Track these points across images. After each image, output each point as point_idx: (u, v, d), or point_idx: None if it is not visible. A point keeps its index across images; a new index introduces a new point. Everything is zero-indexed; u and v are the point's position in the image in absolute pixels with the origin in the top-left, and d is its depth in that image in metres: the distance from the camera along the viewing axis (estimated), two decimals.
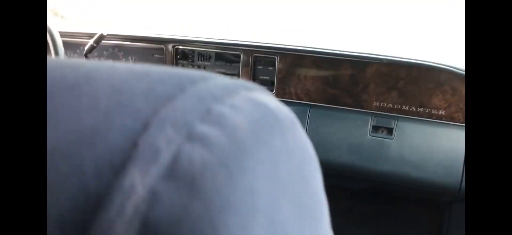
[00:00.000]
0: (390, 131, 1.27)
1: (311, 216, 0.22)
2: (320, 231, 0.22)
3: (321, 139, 1.33)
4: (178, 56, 1.46)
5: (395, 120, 1.26)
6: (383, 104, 1.27)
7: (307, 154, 0.24)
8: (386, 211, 1.82)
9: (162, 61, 1.47)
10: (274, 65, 1.36)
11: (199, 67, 1.45)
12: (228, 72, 1.42)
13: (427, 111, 1.23)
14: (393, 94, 1.26)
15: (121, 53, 1.54)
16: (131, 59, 1.52)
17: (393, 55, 1.26)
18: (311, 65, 1.32)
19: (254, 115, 0.20)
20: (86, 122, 0.18)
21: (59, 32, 1.44)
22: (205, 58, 1.44)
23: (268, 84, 1.38)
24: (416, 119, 1.25)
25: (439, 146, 1.22)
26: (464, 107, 1.19)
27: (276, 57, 1.35)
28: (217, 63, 1.43)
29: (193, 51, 1.44)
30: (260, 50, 1.37)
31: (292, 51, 1.34)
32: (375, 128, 1.28)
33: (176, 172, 0.16)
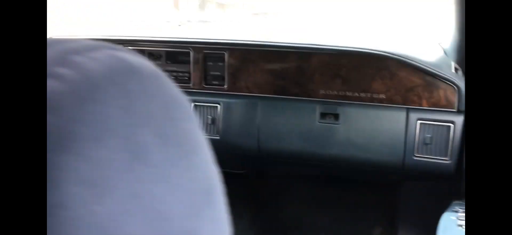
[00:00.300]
0: (336, 117, 1.33)
1: (179, 148, 0.25)
2: (191, 162, 0.26)
3: (272, 129, 1.38)
4: None
5: (340, 106, 1.33)
6: (328, 92, 1.34)
7: (176, 101, 0.26)
8: (343, 195, 1.90)
9: None
10: (223, 60, 1.40)
11: None
12: (179, 70, 1.45)
13: (369, 96, 1.31)
14: (337, 81, 1.32)
15: None
16: None
17: (334, 45, 1.33)
18: (259, 59, 1.37)
19: (111, 63, 0.23)
20: None
21: None
22: (155, 57, 1.45)
23: (219, 79, 1.42)
24: (360, 104, 1.32)
25: (382, 127, 1.29)
26: (402, 90, 1.27)
27: (225, 52, 1.39)
28: (168, 61, 1.45)
29: (143, 51, 1.46)
30: (209, 47, 1.41)
31: (240, 46, 1.38)
32: (323, 115, 1.34)
33: None
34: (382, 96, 1.29)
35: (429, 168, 1.28)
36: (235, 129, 1.41)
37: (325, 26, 2.29)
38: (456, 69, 1.29)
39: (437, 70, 1.24)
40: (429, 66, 1.24)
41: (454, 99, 1.24)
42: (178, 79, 1.45)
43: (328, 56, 1.31)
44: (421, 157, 1.27)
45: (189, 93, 1.43)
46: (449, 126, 1.24)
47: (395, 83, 1.28)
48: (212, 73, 1.43)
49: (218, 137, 1.41)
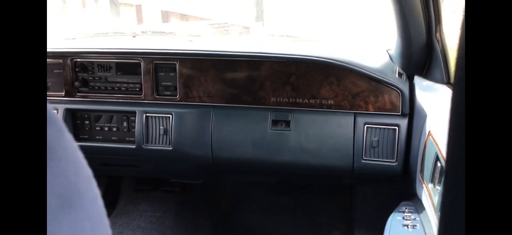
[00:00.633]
0: (288, 123, 1.35)
1: None
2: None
3: (226, 138, 1.38)
4: (77, 69, 1.44)
5: (291, 113, 1.35)
6: (279, 99, 1.36)
7: None
8: (301, 201, 1.92)
9: (61, 76, 1.45)
10: (175, 70, 1.39)
11: (100, 78, 1.44)
12: (130, 81, 1.43)
13: (318, 102, 1.34)
14: (287, 88, 1.35)
15: None
16: None
17: (282, 53, 1.35)
18: (210, 68, 1.38)
19: None
20: None
21: None
22: (105, 69, 1.43)
23: (171, 90, 1.41)
24: (310, 110, 1.34)
25: (331, 132, 1.32)
26: (349, 95, 1.31)
27: (176, 62, 1.39)
28: (119, 73, 1.43)
29: (92, 62, 1.43)
30: (159, 57, 1.40)
31: (191, 56, 1.38)
32: (274, 122, 1.36)
33: None
34: (331, 101, 1.33)
35: (377, 170, 1.31)
36: (187, 139, 1.40)
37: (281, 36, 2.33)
38: (400, 74, 1.34)
39: (381, 75, 1.28)
40: (373, 72, 1.29)
41: (398, 103, 1.29)
42: (129, 90, 1.43)
43: (277, 64, 1.34)
44: (369, 160, 1.31)
45: (140, 104, 1.42)
46: (395, 129, 1.29)
47: (342, 89, 1.31)
48: (163, 83, 1.42)
49: (170, 148, 1.40)
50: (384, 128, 1.29)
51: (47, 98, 1.40)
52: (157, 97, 1.42)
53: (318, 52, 1.35)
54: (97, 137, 1.46)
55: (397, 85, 1.28)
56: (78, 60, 1.43)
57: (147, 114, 1.41)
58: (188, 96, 1.40)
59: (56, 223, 0.24)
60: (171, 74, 1.40)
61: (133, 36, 1.85)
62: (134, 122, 1.42)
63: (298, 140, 1.34)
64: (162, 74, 1.41)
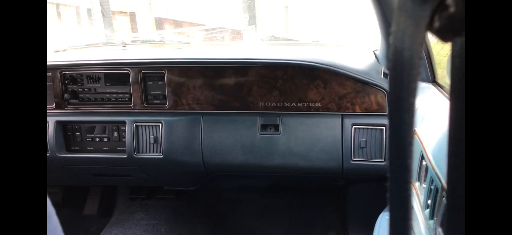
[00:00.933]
0: (276, 127, 1.37)
1: None
2: None
3: (216, 144, 1.39)
4: (66, 81, 1.45)
5: (279, 117, 1.36)
6: (267, 104, 1.37)
7: None
8: (296, 204, 1.93)
9: (51, 89, 1.46)
10: (163, 79, 1.41)
11: (89, 90, 1.45)
12: (119, 91, 1.44)
13: (305, 105, 1.35)
14: (274, 93, 1.36)
15: None
16: None
17: (268, 58, 1.36)
18: (198, 75, 1.39)
19: None
20: None
21: None
22: (94, 80, 1.44)
23: (160, 98, 1.42)
24: (298, 113, 1.36)
25: (319, 135, 1.34)
26: (336, 97, 1.32)
27: (164, 71, 1.40)
28: (108, 83, 1.44)
29: (81, 74, 1.44)
30: (147, 66, 1.41)
31: (179, 64, 1.40)
32: (263, 127, 1.37)
33: None
34: (318, 104, 1.34)
35: (367, 170, 1.32)
36: (178, 147, 1.41)
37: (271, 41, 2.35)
38: (385, 74, 1.35)
39: (366, 77, 1.30)
40: (359, 74, 1.30)
41: (384, 103, 1.30)
42: (118, 100, 1.44)
43: (264, 69, 1.35)
44: (358, 160, 1.32)
45: (130, 114, 1.43)
46: (382, 129, 1.30)
47: (328, 92, 1.32)
48: (152, 92, 1.43)
49: (161, 156, 1.41)
50: (371, 129, 1.30)
51: None
52: (146, 106, 1.43)
53: (304, 56, 1.36)
54: (89, 148, 1.47)
55: (383, 85, 1.29)
56: (67, 72, 1.45)
57: (137, 123, 1.42)
58: (177, 104, 1.41)
59: None
60: (159, 82, 1.42)
61: (123, 46, 1.86)
62: (125, 132, 1.43)
63: (287, 143, 1.35)
64: (151, 83, 1.42)
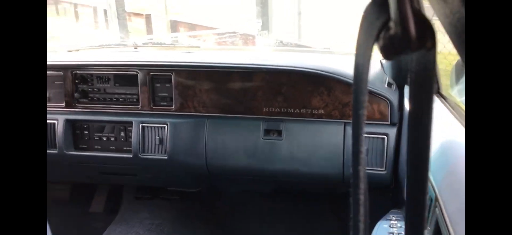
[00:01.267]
0: (279, 133, 1.38)
1: None
2: None
3: (219, 147, 1.42)
4: (77, 81, 1.49)
5: (283, 123, 1.38)
6: (271, 109, 1.39)
7: None
8: (298, 208, 1.94)
9: (62, 88, 1.50)
10: (171, 81, 1.44)
11: (99, 90, 1.49)
12: (127, 92, 1.48)
13: (309, 112, 1.36)
14: (279, 98, 1.38)
15: None
16: None
17: (274, 64, 1.38)
18: (204, 79, 1.42)
19: None
20: None
21: None
22: (103, 80, 1.48)
23: (167, 100, 1.45)
24: (301, 119, 1.37)
25: (322, 142, 1.35)
26: (339, 105, 1.33)
27: (171, 74, 1.43)
28: (116, 84, 1.48)
29: (91, 74, 1.49)
30: (156, 68, 1.44)
31: (186, 67, 1.43)
32: (267, 132, 1.39)
33: None
34: (321, 111, 1.35)
35: (367, 178, 1.33)
36: (182, 148, 1.44)
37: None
38: (389, 84, 1.36)
39: (369, 86, 1.30)
40: None
41: (387, 112, 1.31)
42: (126, 101, 1.48)
43: (269, 75, 1.37)
44: None
45: (137, 115, 1.46)
46: (384, 138, 1.31)
47: (332, 99, 1.34)
48: (160, 94, 1.46)
49: (165, 157, 1.44)
50: (373, 137, 1.31)
51: (48, 108, 1.45)
52: (153, 107, 1.46)
53: (309, 62, 1.38)
54: (96, 147, 1.51)
55: (386, 95, 1.30)
56: (78, 72, 1.49)
57: (143, 124, 1.45)
58: (183, 107, 1.44)
59: None
60: (167, 85, 1.45)
61: (135, 48, 1.90)
62: (131, 132, 1.46)
63: (289, 149, 1.37)
64: (159, 85, 1.46)
